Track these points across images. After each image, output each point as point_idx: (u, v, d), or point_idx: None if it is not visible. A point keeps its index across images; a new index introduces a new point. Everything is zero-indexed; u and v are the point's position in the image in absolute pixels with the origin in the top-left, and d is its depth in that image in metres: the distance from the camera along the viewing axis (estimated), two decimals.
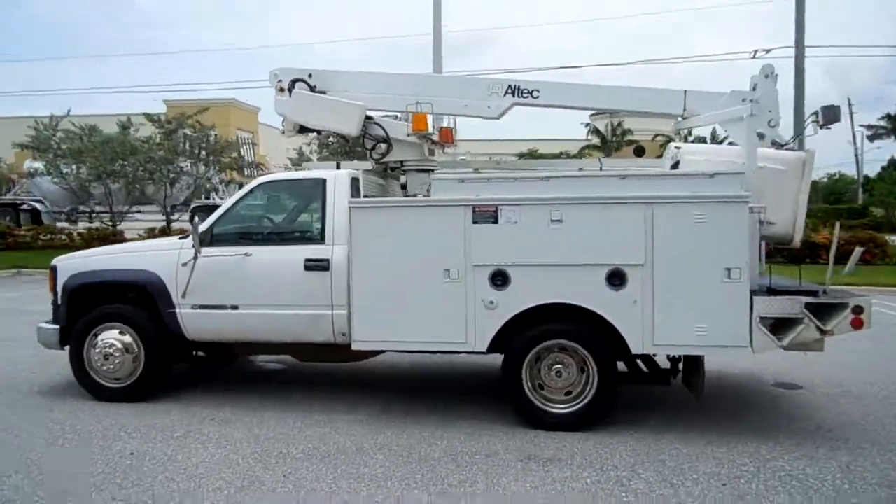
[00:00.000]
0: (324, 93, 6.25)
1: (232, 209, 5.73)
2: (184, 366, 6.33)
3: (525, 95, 5.89)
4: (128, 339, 5.66)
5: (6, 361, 7.07)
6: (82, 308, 5.80)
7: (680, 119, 5.74)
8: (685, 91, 5.49)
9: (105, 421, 5.15)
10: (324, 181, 5.54)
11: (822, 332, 4.58)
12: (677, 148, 5.40)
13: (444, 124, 6.57)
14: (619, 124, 50.97)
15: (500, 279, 4.87)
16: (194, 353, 6.20)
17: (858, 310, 4.56)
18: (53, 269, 5.94)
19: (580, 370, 4.95)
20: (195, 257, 5.43)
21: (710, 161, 5.18)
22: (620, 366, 5.07)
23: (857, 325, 4.57)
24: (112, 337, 5.66)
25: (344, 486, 3.97)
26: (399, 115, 6.44)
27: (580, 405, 4.94)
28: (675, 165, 5.31)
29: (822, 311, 4.59)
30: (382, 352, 5.63)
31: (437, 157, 6.61)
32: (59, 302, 5.86)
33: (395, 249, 5.02)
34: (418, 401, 5.66)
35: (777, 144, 5.27)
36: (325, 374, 6.60)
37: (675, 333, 4.70)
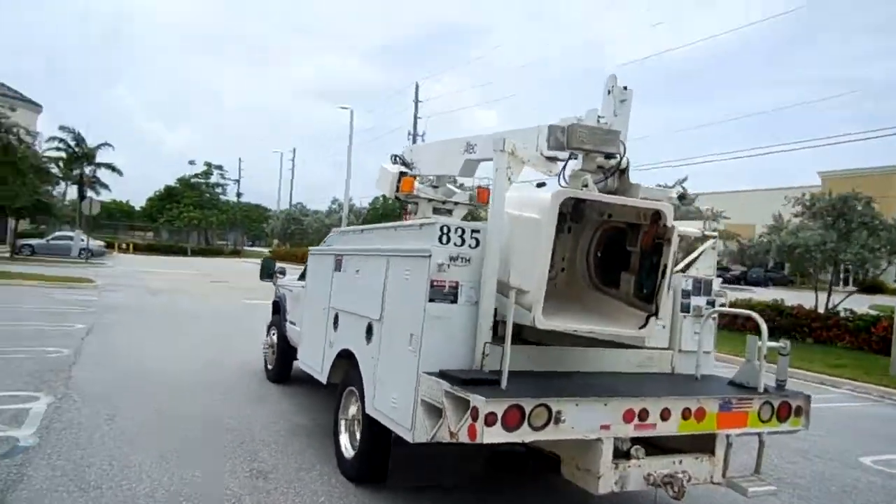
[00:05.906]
0: (412, 165, 7.59)
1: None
2: None
3: (468, 151, 5.81)
4: (274, 339, 8.44)
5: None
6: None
7: None
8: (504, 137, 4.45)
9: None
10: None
11: (451, 434, 3.35)
12: None
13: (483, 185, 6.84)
14: None
15: (336, 321, 5.40)
16: None
17: (474, 414, 3.16)
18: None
19: None
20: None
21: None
22: None
23: (472, 434, 3.17)
24: (270, 335, 8.56)
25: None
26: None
27: (352, 456, 4.87)
28: None
29: (459, 406, 3.37)
30: None
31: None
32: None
33: (314, 288, 6.15)
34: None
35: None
36: None
37: (382, 400, 4.26)
